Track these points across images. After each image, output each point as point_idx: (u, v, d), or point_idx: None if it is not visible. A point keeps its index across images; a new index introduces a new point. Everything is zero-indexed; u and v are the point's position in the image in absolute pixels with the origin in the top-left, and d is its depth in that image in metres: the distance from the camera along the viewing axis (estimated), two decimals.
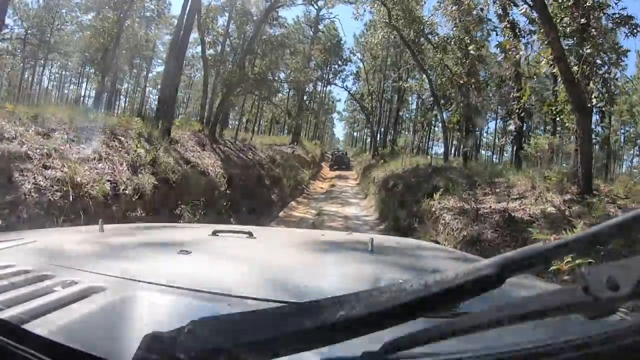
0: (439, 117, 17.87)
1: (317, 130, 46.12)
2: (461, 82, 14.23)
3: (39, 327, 0.55)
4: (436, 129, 38.81)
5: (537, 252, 0.38)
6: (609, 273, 0.35)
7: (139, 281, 0.79)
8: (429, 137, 35.31)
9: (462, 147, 15.11)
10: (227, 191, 9.01)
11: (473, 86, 14.07)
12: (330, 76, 28.92)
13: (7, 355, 0.48)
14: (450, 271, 0.39)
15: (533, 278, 1.16)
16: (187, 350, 0.39)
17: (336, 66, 34.91)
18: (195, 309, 0.70)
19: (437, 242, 4.49)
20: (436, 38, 18.37)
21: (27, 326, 0.54)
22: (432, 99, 30.76)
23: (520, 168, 11.19)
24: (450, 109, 14.26)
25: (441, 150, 38.00)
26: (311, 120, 42.85)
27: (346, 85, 27.95)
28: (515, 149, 14.04)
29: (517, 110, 10.79)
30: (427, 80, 20.75)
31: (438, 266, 1.26)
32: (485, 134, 39.22)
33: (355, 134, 61.46)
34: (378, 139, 27.32)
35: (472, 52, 14.71)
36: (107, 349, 0.52)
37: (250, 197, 10.12)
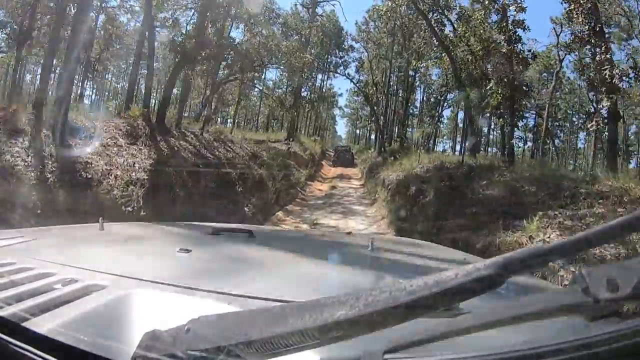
0: (458, 103, 13.63)
1: (318, 126, 41.88)
2: (503, 51, 10.09)
3: (39, 325, 0.52)
4: (441, 124, 34.60)
5: (537, 252, 0.36)
6: (609, 274, 0.34)
7: (139, 279, 0.75)
8: (436, 134, 30.96)
9: (506, 138, 10.84)
10: (142, 212, 4.90)
11: (520, 57, 9.92)
12: (331, 67, 24.74)
13: (8, 353, 0.45)
14: (450, 271, 0.37)
15: (533, 278, 1.10)
16: (186, 349, 0.37)
17: (337, 59, 30.99)
18: (195, 308, 0.62)
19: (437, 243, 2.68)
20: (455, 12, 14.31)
21: (28, 324, 0.52)
22: (443, 89, 26.75)
23: (614, 169, 7.00)
24: (489, 88, 10.01)
25: (443, 147, 33.77)
26: (311, 115, 38.69)
27: (348, 73, 23.67)
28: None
29: (610, 80, 6.58)
30: (442, 62, 16.58)
31: (438, 266, 1.20)
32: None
33: (357, 131, 57.53)
34: (384, 133, 23.05)
35: (513, 11, 10.54)
36: (107, 346, 0.49)
37: (196, 216, 6.00)
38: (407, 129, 25.27)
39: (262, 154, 12.94)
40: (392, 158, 15.61)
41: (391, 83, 25.10)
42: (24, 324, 0.52)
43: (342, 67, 23.63)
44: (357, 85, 22.95)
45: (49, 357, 0.46)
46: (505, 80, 9.53)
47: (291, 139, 21.76)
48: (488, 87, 9.90)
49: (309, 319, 0.37)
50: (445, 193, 7.14)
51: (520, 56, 9.96)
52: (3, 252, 0.89)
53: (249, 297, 0.70)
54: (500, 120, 10.33)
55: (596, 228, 0.36)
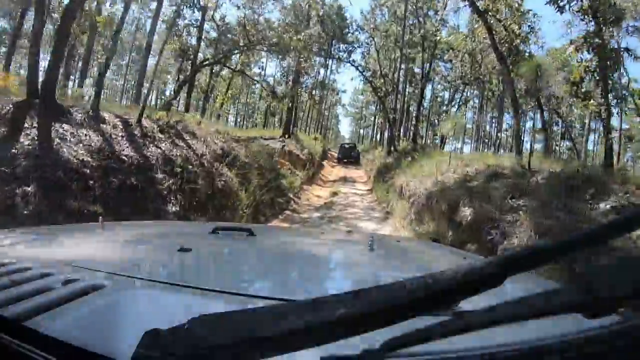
0: (504, 82, 10.03)
1: (320, 124, 38.21)
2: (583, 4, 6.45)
3: (39, 325, 0.51)
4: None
5: (538, 250, 0.36)
6: (609, 272, 0.34)
7: (139, 278, 0.73)
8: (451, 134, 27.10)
9: (606, 132, 7.08)
10: None
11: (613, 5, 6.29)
12: (333, 52, 21.02)
13: (9, 353, 0.45)
14: (450, 270, 0.36)
15: (534, 276, 1.03)
16: (186, 348, 0.37)
17: (341, 52, 27.54)
18: (195, 307, 0.62)
19: (438, 241, 2.52)
20: None
21: (28, 323, 0.51)
22: (459, 81, 23.07)
23: None
24: (567, 55, 6.32)
25: (453, 147, 30.02)
26: (312, 113, 35.09)
27: (353, 60, 19.93)
28: None
29: None
30: (475, 35, 12.94)
31: (438, 265, 1.17)
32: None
33: (361, 131, 54.10)
34: (394, 130, 19.29)
35: None
36: (108, 346, 0.48)
37: None
38: (421, 125, 21.50)
39: (238, 153, 9.37)
40: (410, 159, 11.97)
41: (401, 74, 21.47)
42: (25, 324, 0.50)
43: (346, 55, 19.87)
44: (363, 73, 19.25)
45: (49, 356, 0.45)
46: (598, 40, 5.87)
47: (287, 136, 18.20)
48: (566, 54, 6.21)
49: (309, 318, 0.36)
50: (556, 228, 3.52)
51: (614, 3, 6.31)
52: (2, 251, 0.85)
53: (249, 295, 0.69)
54: (589, 103, 6.75)
55: (598, 226, 0.35)
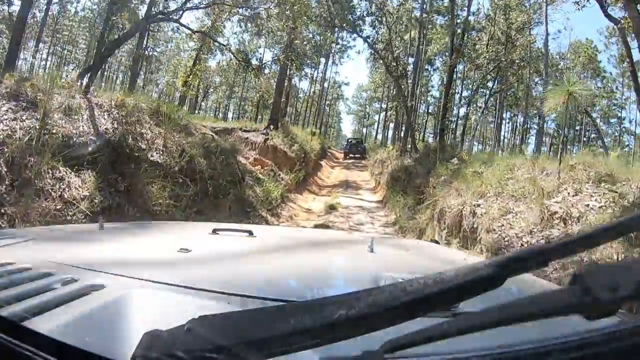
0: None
1: (320, 120, 33.53)
2: None
3: (38, 325, 0.50)
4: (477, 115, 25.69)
5: (537, 252, 0.35)
6: (609, 274, 0.33)
7: (139, 279, 0.70)
8: (465, 128, 22.44)
9: None
10: None
11: None
12: (339, 26, 16.42)
13: (7, 353, 0.44)
14: (450, 271, 0.36)
15: (533, 278, 1.01)
16: (186, 349, 0.36)
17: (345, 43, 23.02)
18: (195, 307, 0.60)
19: (437, 242, 2.40)
20: None
21: (27, 324, 0.50)
22: (490, 66, 18.44)
23: None
24: None
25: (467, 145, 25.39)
26: (310, 106, 30.47)
27: (361, 29, 15.29)
28: None
29: None
30: None
31: (438, 266, 1.13)
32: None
33: (364, 129, 49.61)
34: (412, 122, 14.61)
35: None
36: (107, 346, 0.47)
37: None
38: (449, 116, 16.88)
39: (154, 145, 4.90)
40: (454, 160, 7.39)
41: (420, 56, 16.89)
42: (24, 324, 0.49)
43: (353, 23, 15.22)
44: (374, 47, 14.66)
45: (48, 356, 0.44)
46: None
47: (272, 127, 13.64)
48: None
49: (309, 319, 0.36)
50: None
51: None
52: (2, 251, 0.82)
53: (249, 296, 0.65)
54: None
55: (597, 227, 0.34)
